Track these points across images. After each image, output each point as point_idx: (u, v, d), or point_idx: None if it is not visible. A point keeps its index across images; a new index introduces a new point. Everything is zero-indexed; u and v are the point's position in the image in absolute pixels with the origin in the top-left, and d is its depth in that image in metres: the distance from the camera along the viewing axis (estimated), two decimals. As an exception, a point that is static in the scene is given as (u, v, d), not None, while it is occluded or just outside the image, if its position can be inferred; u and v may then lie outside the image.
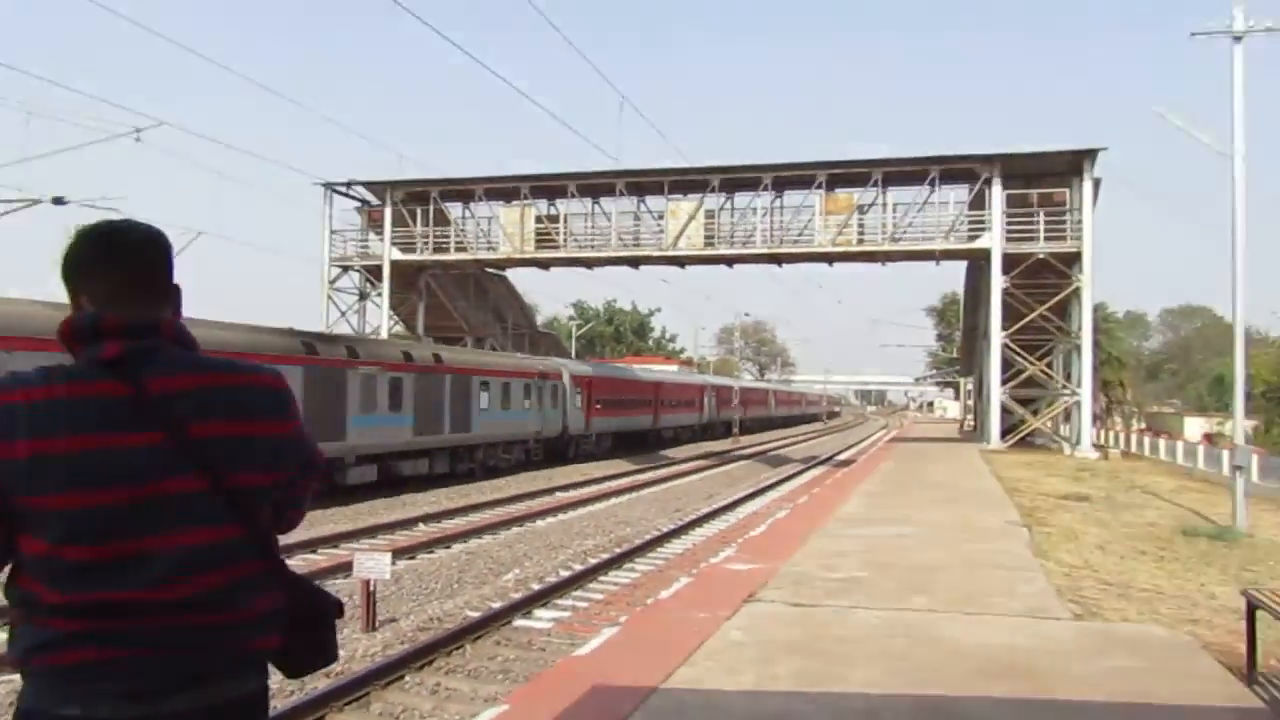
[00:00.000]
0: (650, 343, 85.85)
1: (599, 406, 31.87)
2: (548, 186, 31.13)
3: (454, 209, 32.05)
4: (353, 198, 32.57)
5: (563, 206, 30.74)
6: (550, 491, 20.72)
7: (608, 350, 78.67)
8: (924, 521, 12.36)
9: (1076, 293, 28.24)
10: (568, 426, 29.37)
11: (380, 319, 31.66)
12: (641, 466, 27.91)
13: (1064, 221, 28.11)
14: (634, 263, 30.83)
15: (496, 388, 24.13)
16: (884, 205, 28.85)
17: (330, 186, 31.84)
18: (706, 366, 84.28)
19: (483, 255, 31.29)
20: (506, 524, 15.84)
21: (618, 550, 13.38)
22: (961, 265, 35.99)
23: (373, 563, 8.66)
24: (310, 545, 13.15)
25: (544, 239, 30.67)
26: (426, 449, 20.74)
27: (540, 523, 16.50)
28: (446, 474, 22.07)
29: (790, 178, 29.45)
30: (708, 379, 47.40)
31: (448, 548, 13.76)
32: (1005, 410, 30.09)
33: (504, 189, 31.36)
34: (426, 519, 16.17)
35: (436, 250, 31.78)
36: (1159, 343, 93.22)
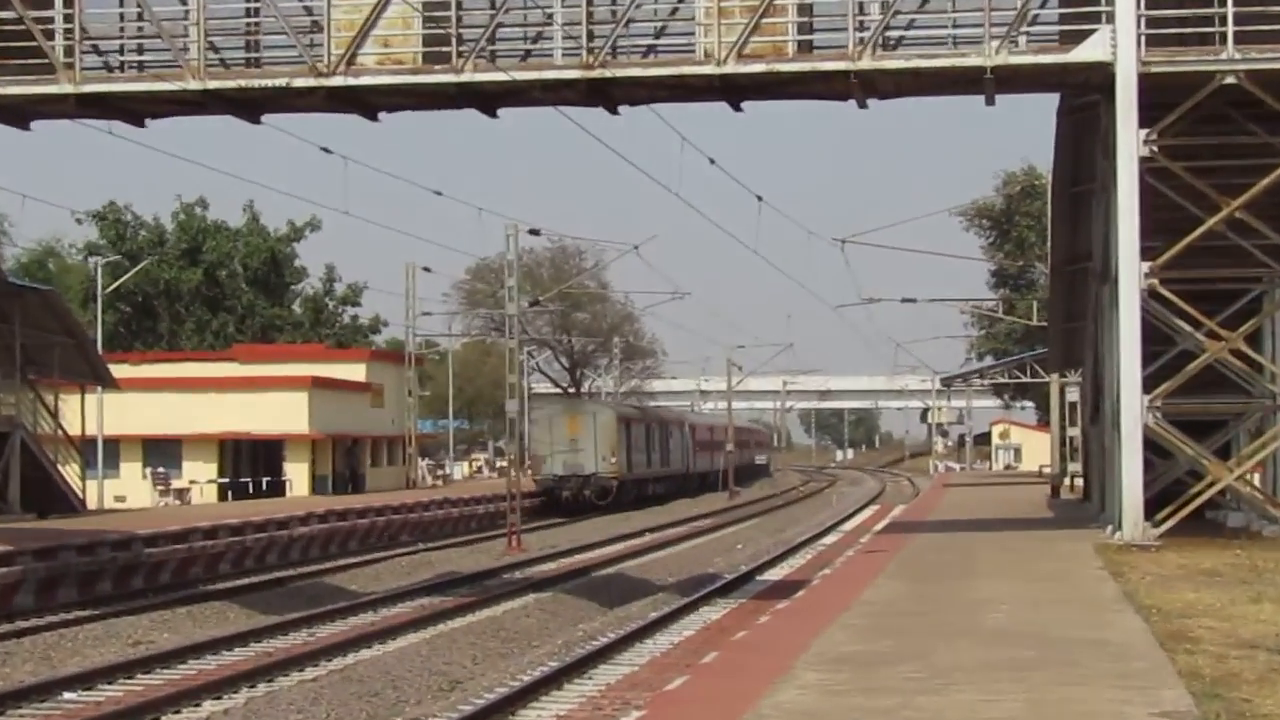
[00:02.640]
0: (300, 304, 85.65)
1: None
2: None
3: None
4: None
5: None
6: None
7: (189, 332, 78.95)
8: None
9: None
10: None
11: None
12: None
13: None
14: (231, 105, 26.86)
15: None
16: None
17: None
18: (439, 361, 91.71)
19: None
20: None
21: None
22: (1034, 115, 36.93)
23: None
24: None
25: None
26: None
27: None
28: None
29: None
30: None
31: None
32: (1155, 448, 27.02)
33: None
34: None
35: None
36: None
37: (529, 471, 59.11)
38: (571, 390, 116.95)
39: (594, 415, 61.11)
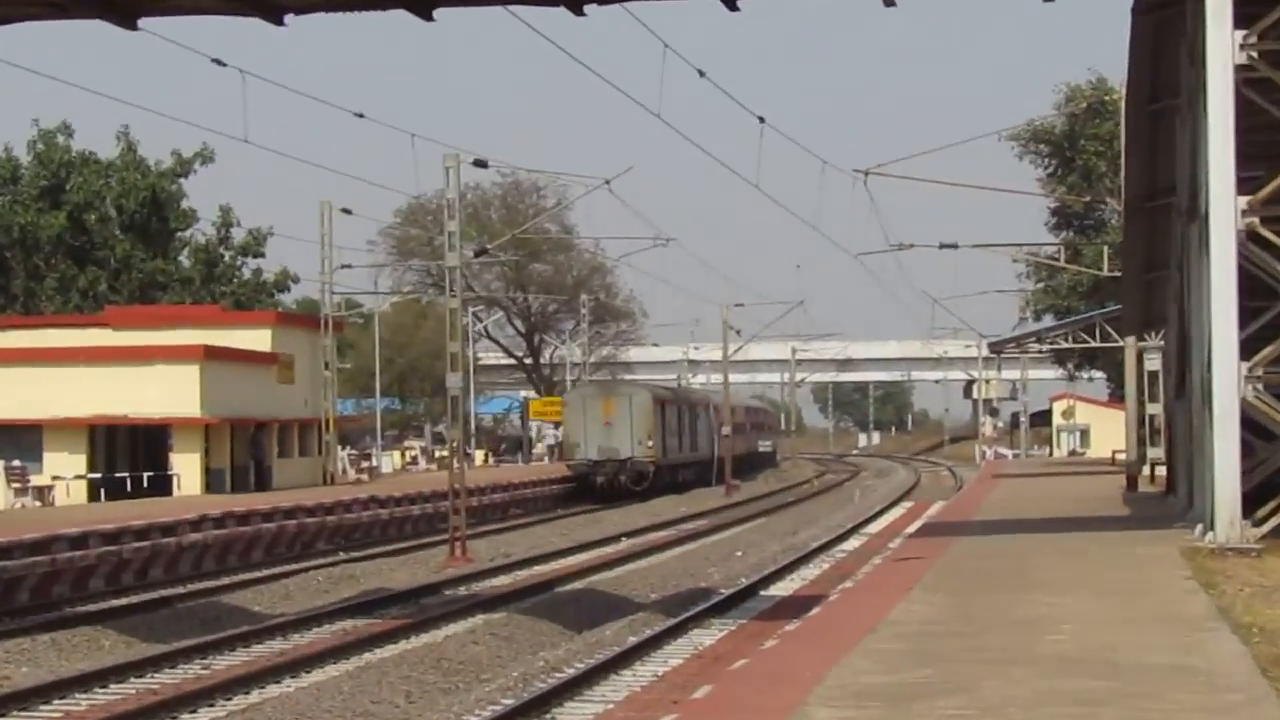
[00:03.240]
0: (189, 256, 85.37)
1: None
2: None
3: None
4: None
5: None
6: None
7: (50, 291, 78.71)
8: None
9: None
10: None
11: None
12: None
13: None
14: (100, 5, 26.30)
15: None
16: None
17: None
18: (363, 326, 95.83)
19: None
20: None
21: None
22: (1104, 14, 32.91)
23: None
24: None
25: None
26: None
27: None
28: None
29: None
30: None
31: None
32: (1256, 428, 28.16)
33: None
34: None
35: None
36: None
37: (560, 457, 69.82)
38: (528, 360, 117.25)
39: (630, 397, 71.42)
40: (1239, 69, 25.78)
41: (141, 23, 27.95)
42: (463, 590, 33.55)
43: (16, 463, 52.20)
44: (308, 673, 22.29)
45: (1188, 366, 34.33)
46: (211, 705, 19.80)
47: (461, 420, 44.25)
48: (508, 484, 62.31)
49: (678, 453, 76.12)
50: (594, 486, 67.76)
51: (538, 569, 38.09)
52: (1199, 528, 27.98)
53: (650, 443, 70.01)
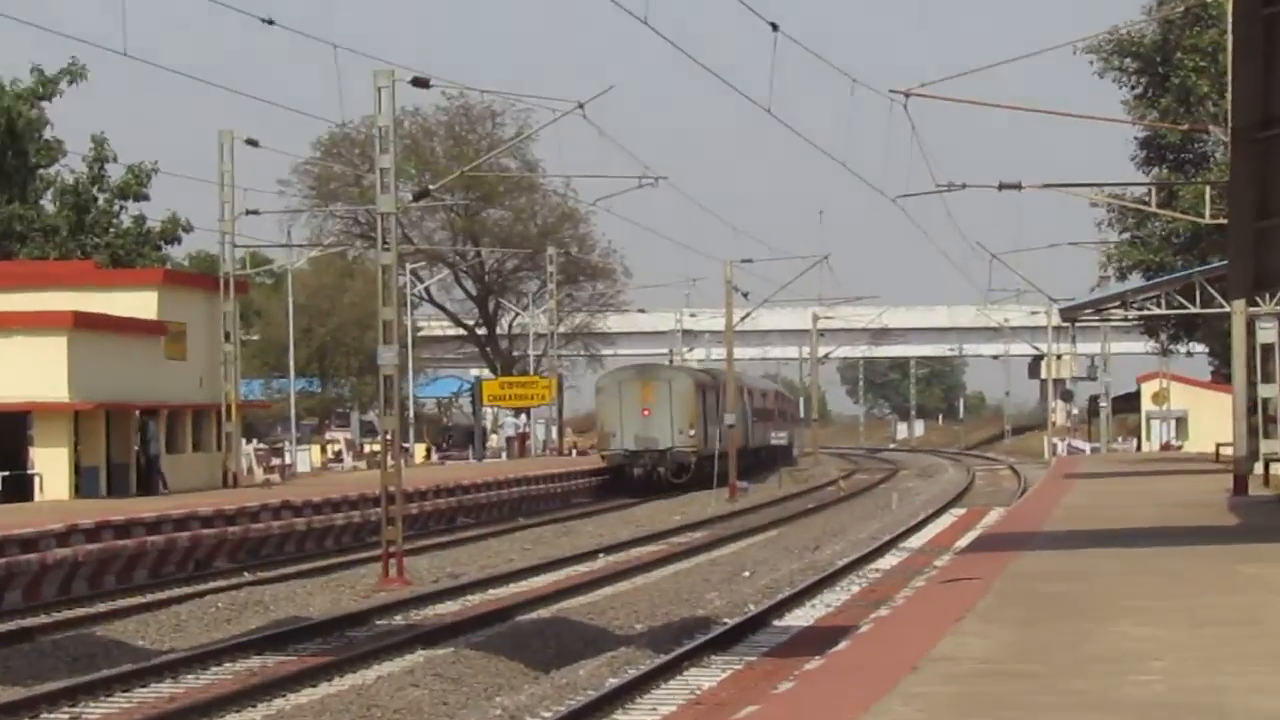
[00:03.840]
0: (54, 198, 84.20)
1: None
2: None
3: None
4: None
5: None
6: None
7: None
8: None
9: None
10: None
11: None
12: None
13: None
14: None
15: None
16: None
17: None
18: (273, 287, 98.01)
19: None
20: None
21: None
22: None
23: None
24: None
25: None
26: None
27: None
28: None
29: None
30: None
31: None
32: None
33: None
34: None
35: None
36: None
37: (594, 447, 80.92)
38: (481, 331, 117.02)
39: (669, 382, 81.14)
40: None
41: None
42: (399, 620, 33.56)
43: None
44: (206, 724, 22.22)
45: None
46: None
47: (398, 406, 44.16)
48: (455, 486, 62.57)
49: (719, 443, 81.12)
50: (630, 479, 77.10)
51: (494, 593, 38.15)
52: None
53: (692, 432, 79.38)
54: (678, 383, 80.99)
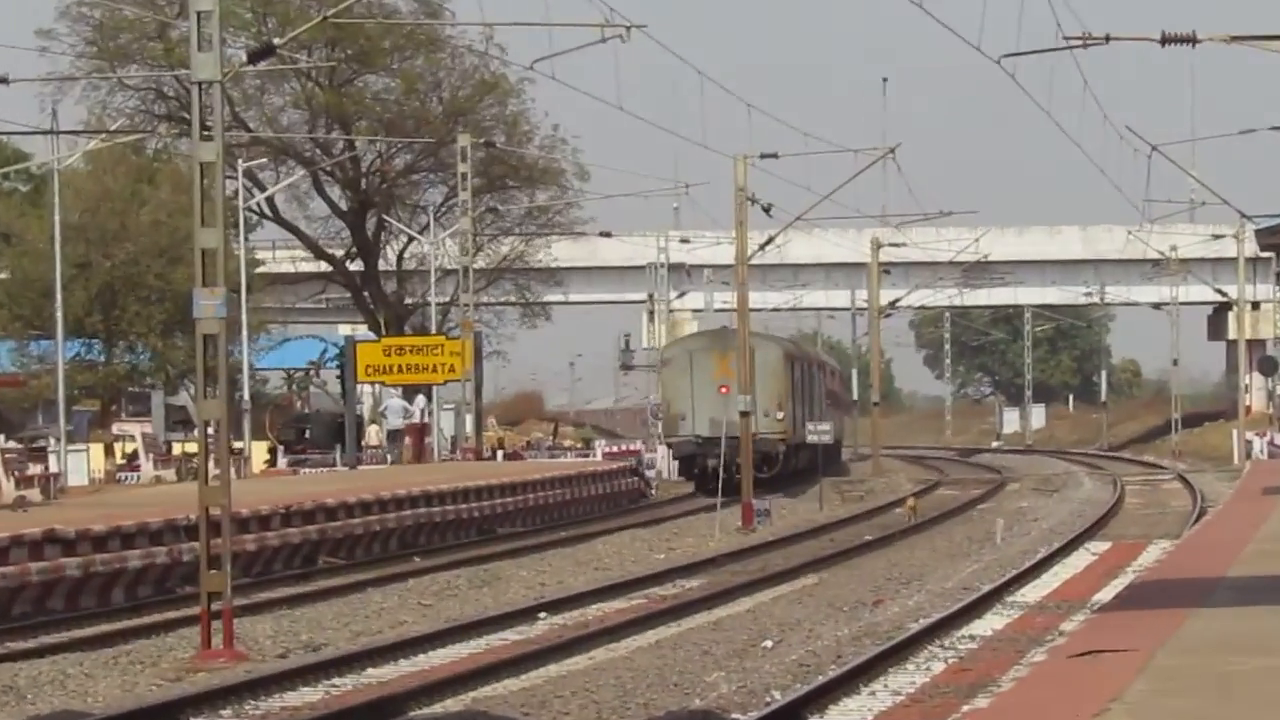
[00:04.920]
0: None
1: None
2: None
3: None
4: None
5: None
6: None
7: None
8: None
9: None
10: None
11: None
12: None
13: None
14: None
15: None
16: None
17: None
18: (34, 196, 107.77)
19: None
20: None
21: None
22: None
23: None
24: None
25: None
26: None
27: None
28: None
29: None
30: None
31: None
32: None
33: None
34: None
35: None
36: None
37: (660, 433, 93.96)
38: (355, 266, 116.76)
39: (753, 352, 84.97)
40: None
41: None
42: (226, 717, 33.70)
43: None
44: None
45: None
46: None
47: (224, 383, 43.87)
48: (316, 508, 62.83)
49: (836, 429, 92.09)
50: (703, 472, 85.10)
51: (372, 673, 38.32)
52: None
53: (780, 414, 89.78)
54: (763, 353, 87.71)
